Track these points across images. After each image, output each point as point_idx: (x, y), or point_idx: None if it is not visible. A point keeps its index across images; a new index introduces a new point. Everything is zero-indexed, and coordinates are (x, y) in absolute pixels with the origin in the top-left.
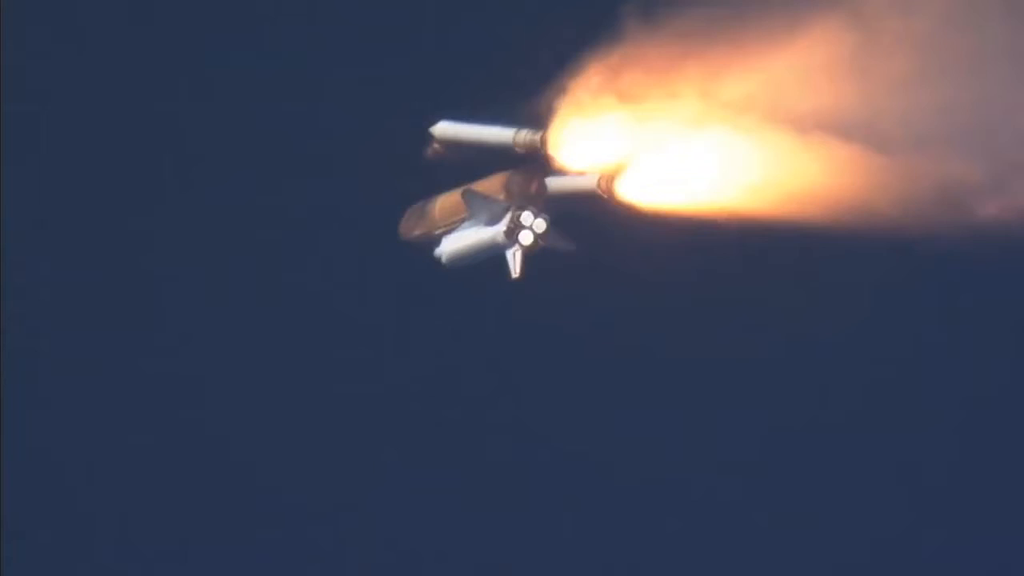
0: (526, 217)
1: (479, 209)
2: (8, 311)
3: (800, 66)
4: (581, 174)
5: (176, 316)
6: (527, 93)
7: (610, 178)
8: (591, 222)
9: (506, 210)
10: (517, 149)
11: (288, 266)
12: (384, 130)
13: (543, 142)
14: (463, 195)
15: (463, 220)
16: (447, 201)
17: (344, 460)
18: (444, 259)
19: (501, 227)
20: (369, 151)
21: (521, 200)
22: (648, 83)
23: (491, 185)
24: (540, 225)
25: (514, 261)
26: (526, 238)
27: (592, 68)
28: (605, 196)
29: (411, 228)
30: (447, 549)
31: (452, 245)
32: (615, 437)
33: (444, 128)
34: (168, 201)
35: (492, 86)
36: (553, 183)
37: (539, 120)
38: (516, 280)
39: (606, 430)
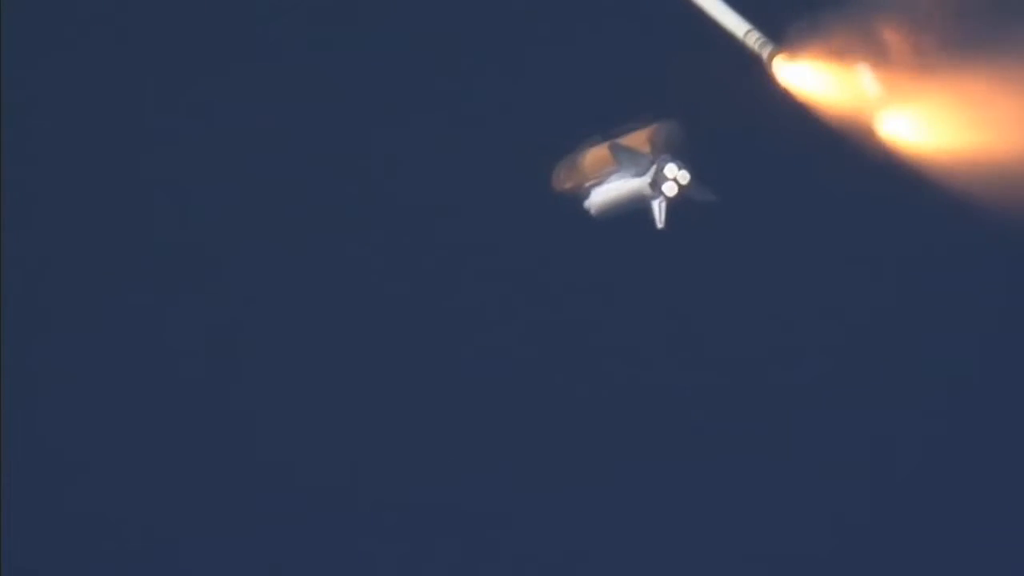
0: (670, 169)
1: (626, 162)
2: (8, 309)
3: None
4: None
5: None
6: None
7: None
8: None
9: (651, 162)
10: (744, 46)
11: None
12: None
13: (770, 58)
14: (610, 149)
15: (611, 172)
16: (595, 155)
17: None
18: (593, 210)
19: (647, 179)
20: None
21: (665, 153)
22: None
23: (637, 139)
24: (684, 176)
25: (659, 211)
26: (670, 189)
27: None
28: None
29: (563, 181)
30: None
31: (601, 197)
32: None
33: None
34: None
35: None
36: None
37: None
38: (660, 230)
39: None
